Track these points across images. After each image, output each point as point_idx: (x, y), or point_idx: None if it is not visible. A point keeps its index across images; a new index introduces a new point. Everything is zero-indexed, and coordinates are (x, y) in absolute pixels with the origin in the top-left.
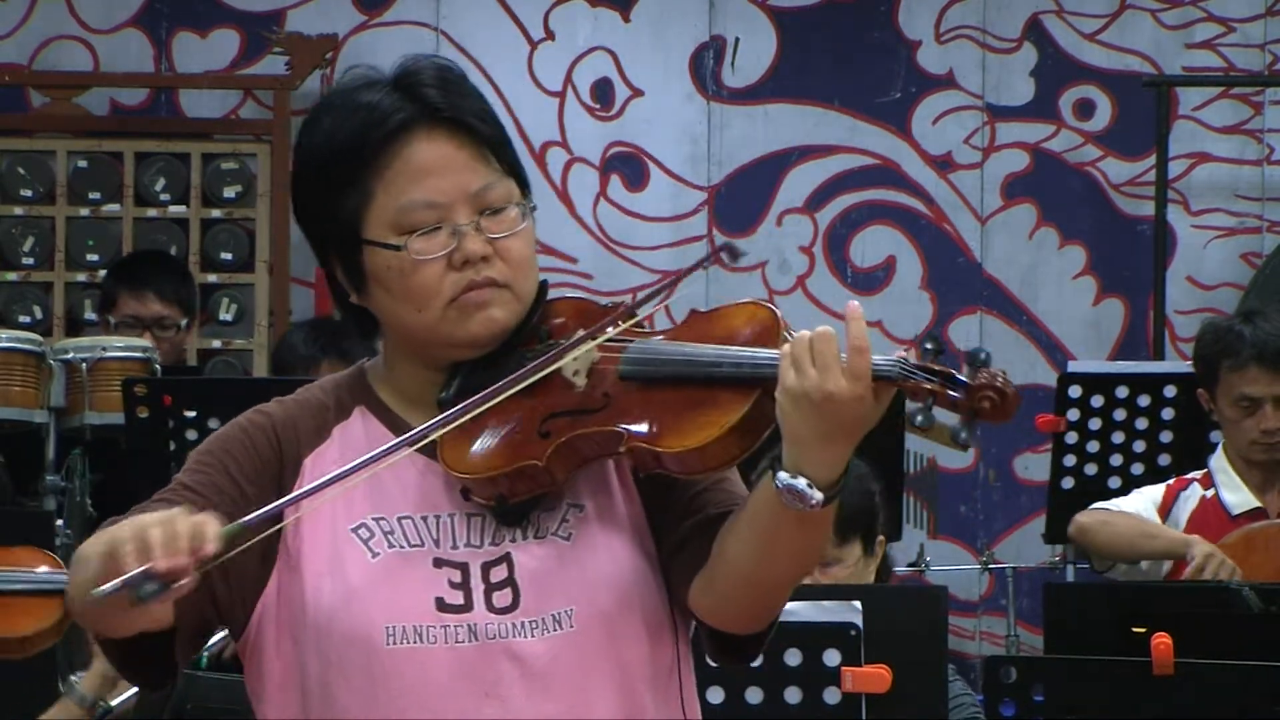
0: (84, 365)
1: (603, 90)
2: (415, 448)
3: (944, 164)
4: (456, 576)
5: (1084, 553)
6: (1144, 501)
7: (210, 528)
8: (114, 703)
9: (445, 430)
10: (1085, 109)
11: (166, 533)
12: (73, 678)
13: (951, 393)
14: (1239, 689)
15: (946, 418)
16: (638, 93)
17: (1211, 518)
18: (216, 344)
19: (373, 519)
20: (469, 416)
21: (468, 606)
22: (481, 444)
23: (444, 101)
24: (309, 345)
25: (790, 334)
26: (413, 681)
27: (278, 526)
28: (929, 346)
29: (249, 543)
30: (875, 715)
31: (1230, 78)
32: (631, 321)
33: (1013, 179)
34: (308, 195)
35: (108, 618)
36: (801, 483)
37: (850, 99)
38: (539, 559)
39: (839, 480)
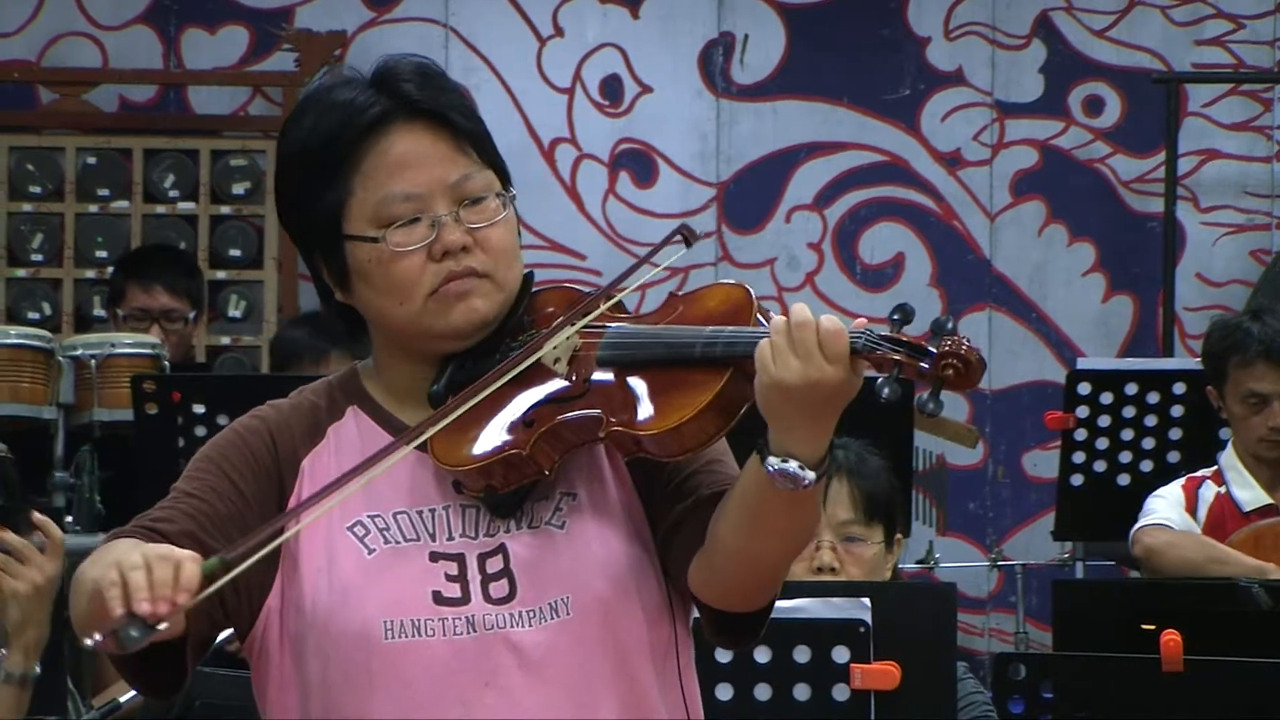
0: (93, 362)
1: (612, 87)
2: (412, 446)
3: (953, 161)
4: (453, 569)
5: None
6: (1173, 509)
7: (188, 571)
8: (122, 699)
9: (439, 428)
10: (1094, 106)
11: (148, 578)
12: None
13: (920, 363)
14: (1249, 686)
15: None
16: (647, 89)
17: (1225, 514)
18: (225, 340)
19: (368, 516)
20: (463, 410)
21: (465, 599)
22: (469, 436)
23: (421, 95)
24: (316, 338)
25: (763, 317)
26: (413, 675)
27: (276, 542)
28: (895, 317)
29: (237, 570)
30: (884, 712)
31: (1240, 74)
32: (607, 305)
33: (1022, 176)
34: (289, 194)
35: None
36: (793, 465)
37: (859, 96)
38: (534, 548)
39: (825, 456)
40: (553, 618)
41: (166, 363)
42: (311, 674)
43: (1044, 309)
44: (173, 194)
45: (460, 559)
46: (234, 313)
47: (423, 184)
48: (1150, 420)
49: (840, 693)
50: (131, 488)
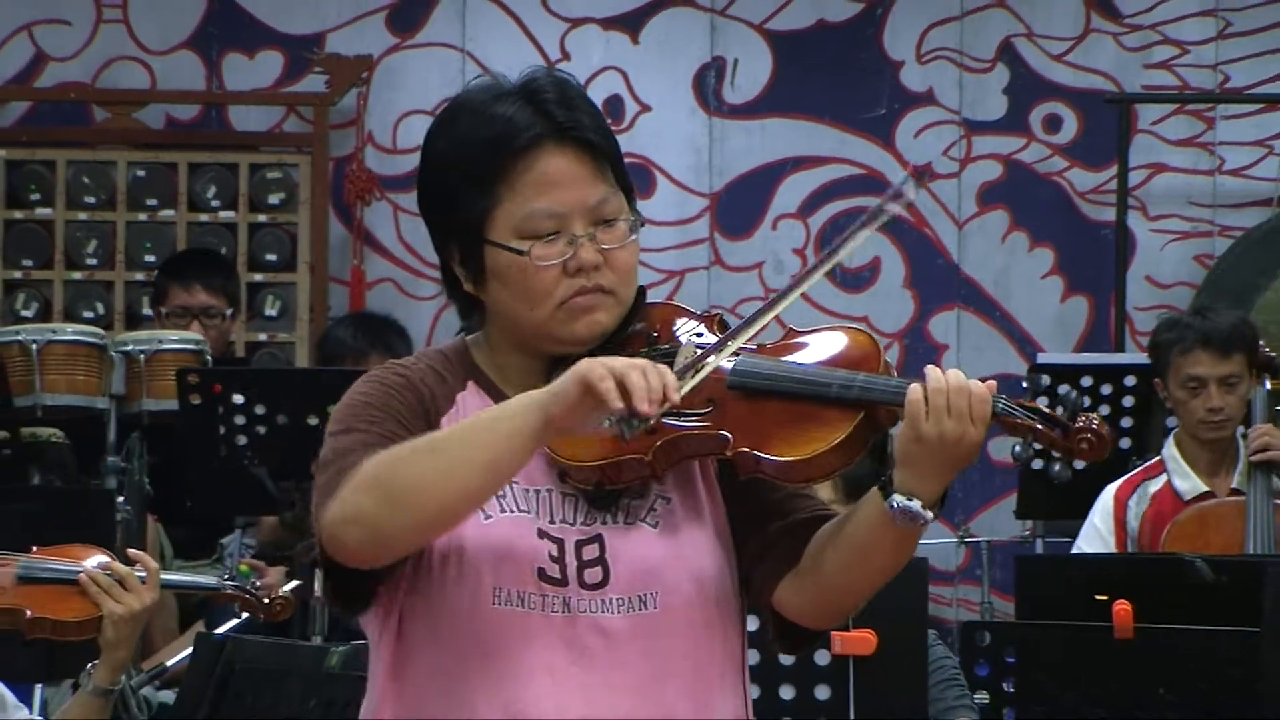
0: (142, 357)
1: (614, 106)
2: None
3: (925, 174)
4: (555, 550)
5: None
6: (1099, 534)
7: (670, 377)
8: (169, 663)
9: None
10: (1053, 123)
11: (645, 381)
12: (88, 667)
13: (1053, 434)
14: (1193, 651)
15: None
16: (645, 108)
17: (1166, 504)
18: (262, 337)
19: None
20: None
21: (564, 581)
22: (586, 434)
23: (569, 119)
24: (359, 338)
25: (892, 368)
26: (511, 642)
27: (724, 354)
28: (1026, 386)
29: (697, 380)
30: (862, 675)
31: (1185, 95)
32: (752, 333)
33: (987, 187)
34: (438, 191)
35: (485, 485)
36: (916, 505)
37: (839, 114)
38: (628, 542)
39: (942, 499)
40: (640, 609)
41: (209, 357)
42: (419, 631)
43: (1007, 309)
44: (214, 203)
45: (560, 543)
46: (270, 312)
47: (566, 203)
48: (1104, 409)
49: (822, 658)
50: (177, 471)
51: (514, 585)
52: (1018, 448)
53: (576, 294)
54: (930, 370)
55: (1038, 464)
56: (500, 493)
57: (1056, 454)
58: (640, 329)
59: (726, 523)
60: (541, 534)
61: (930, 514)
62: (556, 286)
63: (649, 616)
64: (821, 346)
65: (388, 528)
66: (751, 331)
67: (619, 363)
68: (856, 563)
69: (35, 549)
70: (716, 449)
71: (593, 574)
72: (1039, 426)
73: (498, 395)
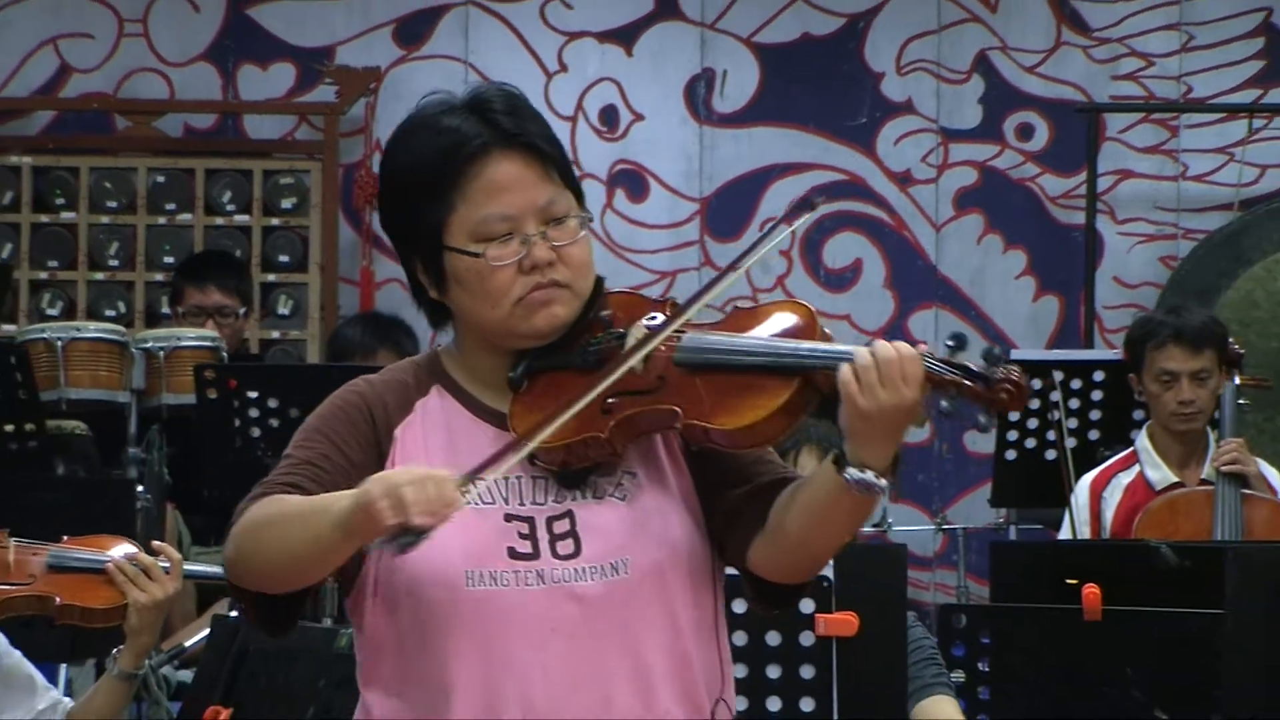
0: (161, 353)
1: (609, 115)
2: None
3: (904, 179)
4: (525, 529)
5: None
6: (1075, 525)
7: (450, 487)
8: (187, 644)
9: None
10: (1026, 132)
11: (422, 492)
12: (113, 652)
13: (976, 386)
14: (1158, 633)
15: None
16: (639, 117)
17: (1139, 494)
18: (275, 334)
19: None
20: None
21: (535, 555)
22: (548, 416)
23: (515, 126)
24: (367, 336)
25: (827, 333)
26: (489, 619)
27: (512, 460)
28: (951, 344)
29: (481, 483)
30: (845, 655)
31: (1150, 105)
32: (689, 313)
33: (963, 192)
34: (396, 206)
35: (307, 568)
36: (870, 475)
37: (823, 123)
38: (599, 514)
39: (893, 465)
40: (613, 575)
41: (224, 354)
42: (402, 619)
43: (982, 307)
44: (230, 208)
45: (531, 521)
46: (283, 311)
47: (517, 206)
48: (1074, 403)
49: (806, 638)
50: (195, 462)
51: (486, 566)
52: (944, 403)
53: (533, 290)
54: (856, 349)
55: (980, 439)
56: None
57: (980, 405)
58: (603, 317)
59: (694, 491)
60: (509, 517)
61: (884, 482)
62: (513, 284)
63: (621, 582)
64: (765, 321)
65: (246, 579)
66: (686, 317)
67: (399, 477)
68: (819, 525)
69: (65, 539)
70: (668, 422)
71: (564, 546)
72: (964, 381)
73: (463, 397)
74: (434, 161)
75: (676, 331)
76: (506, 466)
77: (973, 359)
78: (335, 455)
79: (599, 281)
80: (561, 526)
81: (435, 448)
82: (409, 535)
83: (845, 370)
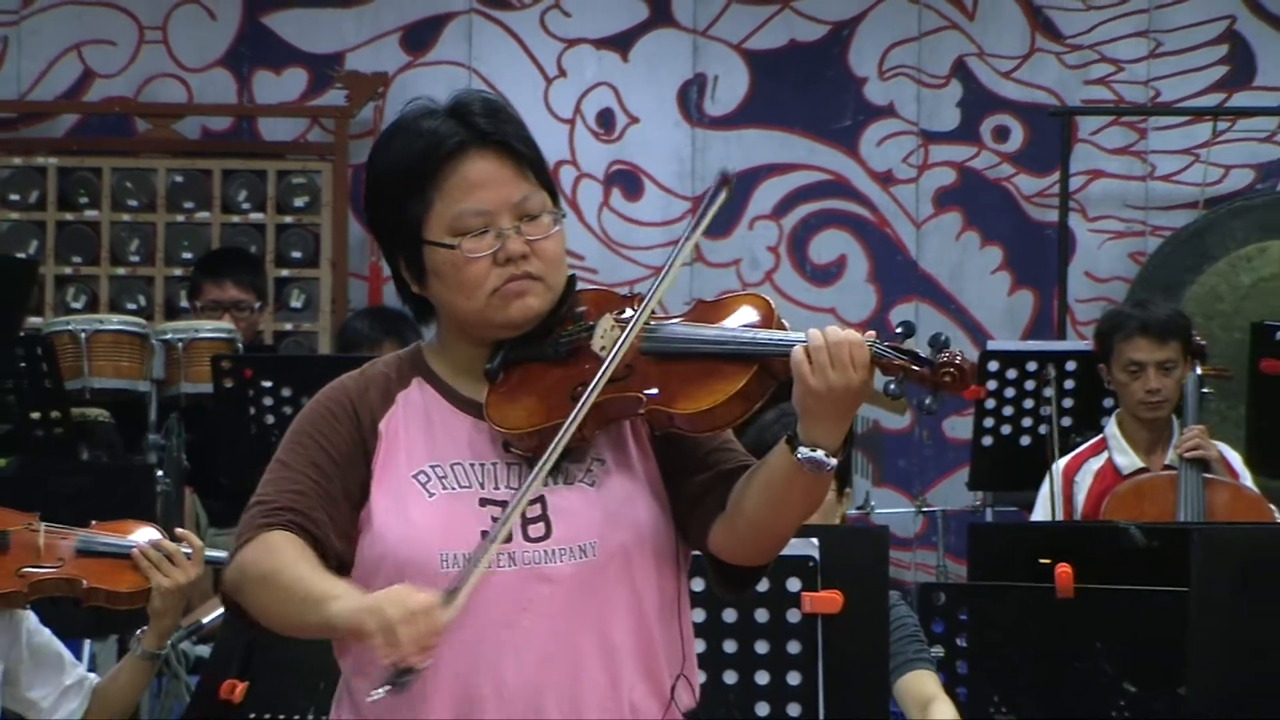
0: (180, 345)
1: (606, 118)
2: (609, 370)
3: (886, 179)
4: (498, 513)
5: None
6: (1047, 508)
7: (437, 616)
8: (205, 620)
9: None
10: (1002, 134)
11: (412, 634)
12: (137, 633)
13: (920, 369)
14: (1127, 610)
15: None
16: (634, 120)
17: (1108, 479)
18: (288, 327)
19: (430, 466)
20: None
21: (508, 537)
22: (522, 405)
23: (491, 127)
24: (373, 329)
25: (784, 323)
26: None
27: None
28: (899, 330)
29: (458, 602)
30: (829, 632)
31: (1120, 109)
32: (652, 301)
33: (942, 191)
34: (379, 205)
35: (304, 634)
36: (820, 454)
37: (809, 125)
38: (569, 499)
39: (843, 445)
40: (581, 557)
41: (240, 345)
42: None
43: (961, 301)
44: (245, 206)
45: (504, 505)
46: (295, 304)
47: (491, 201)
48: (1047, 392)
49: (793, 616)
50: (212, 448)
51: (459, 549)
52: (892, 385)
53: (508, 281)
54: (810, 331)
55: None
56: (442, 473)
57: (925, 387)
58: (575, 312)
59: (660, 478)
60: (483, 502)
61: (833, 461)
62: (488, 276)
63: (589, 564)
64: (728, 313)
65: (247, 613)
66: (650, 308)
67: (392, 612)
68: (774, 506)
69: (94, 523)
70: (634, 409)
71: (536, 529)
72: (910, 365)
73: (443, 388)
74: (413, 161)
75: (645, 322)
76: (477, 579)
77: (920, 345)
78: (320, 457)
79: (571, 279)
80: (534, 511)
81: (415, 436)
82: (408, 675)
83: (798, 351)
